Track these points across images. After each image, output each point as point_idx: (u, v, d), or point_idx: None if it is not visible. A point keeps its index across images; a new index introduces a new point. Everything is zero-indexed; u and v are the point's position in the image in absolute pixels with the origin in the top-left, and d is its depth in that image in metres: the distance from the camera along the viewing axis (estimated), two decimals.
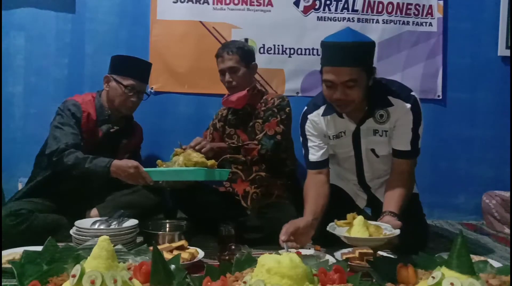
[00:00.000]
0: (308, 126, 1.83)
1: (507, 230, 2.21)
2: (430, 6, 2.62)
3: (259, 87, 2.17)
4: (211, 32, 2.56)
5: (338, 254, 1.59)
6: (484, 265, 1.33)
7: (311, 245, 1.84)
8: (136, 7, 2.57)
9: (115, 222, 1.72)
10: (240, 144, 2.02)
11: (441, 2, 2.61)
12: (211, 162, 1.77)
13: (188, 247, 1.55)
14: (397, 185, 1.67)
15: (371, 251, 1.57)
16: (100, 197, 1.97)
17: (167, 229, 1.86)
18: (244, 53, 2.08)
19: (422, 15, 2.62)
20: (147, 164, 1.81)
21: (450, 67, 2.61)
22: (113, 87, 2.02)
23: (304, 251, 1.59)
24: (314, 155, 1.82)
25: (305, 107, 1.86)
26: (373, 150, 1.78)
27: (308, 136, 1.84)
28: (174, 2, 2.55)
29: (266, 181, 2.04)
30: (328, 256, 1.53)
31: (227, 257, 1.48)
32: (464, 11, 2.61)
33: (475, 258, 1.37)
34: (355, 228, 1.41)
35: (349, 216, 1.46)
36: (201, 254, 1.53)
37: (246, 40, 2.51)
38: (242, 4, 2.58)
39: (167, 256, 1.35)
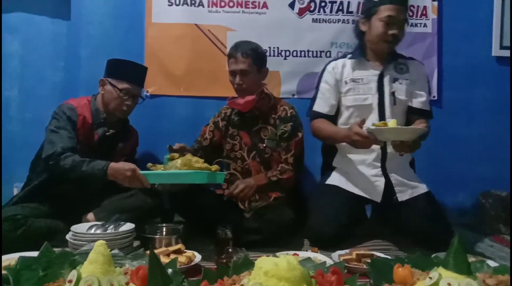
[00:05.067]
0: (325, 75, 2.04)
1: (504, 229, 2.22)
2: (425, 7, 2.63)
3: (266, 91, 2.16)
4: (207, 34, 2.56)
5: (335, 256, 1.59)
6: (481, 265, 1.33)
7: (309, 247, 1.84)
8: (131, 10, 2.56)
9: (111, 227, 1.71)
10: (278, 178, 1.97)
11: (436, 3, 2.62)
12: (214, 167, 1.76)
13: (185, 250, 1.55)
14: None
15: (368, 252, 1.58)
16: (97, 202, 1.96)
17: (164, 232, 1.84)
18: (258, 56, 2.05)
19: (416, 16, 2.63)
20: (144, 167, 1.80)
21: (445, 67, 2.62)
22: (108, 91, 2.02)
23: (301, 253, 1.59)
24: (320, 106, 2.02)
25: None
26: (393, 93, 1.95)
27: (321, 86, 2.04)
28: (169, 5, 2.55)
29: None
30: (325, 258, 1.53)
31: (224, 260, 1.48)
32: (459, 11, 2.63)
33: (471, 258, 1.38)
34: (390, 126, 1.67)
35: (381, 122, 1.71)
36: (198, 257, 1.53)
37: None
38: (237, 7, 2.58)
39: (164, 260, 1.35)
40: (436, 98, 2.63)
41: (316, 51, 2.60)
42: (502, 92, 2.64)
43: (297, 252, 1.60)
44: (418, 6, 2.62)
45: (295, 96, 2.60)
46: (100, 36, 2.55)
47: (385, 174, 1.94)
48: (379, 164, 1.95)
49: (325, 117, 2.01)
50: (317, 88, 2.06)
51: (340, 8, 2.60)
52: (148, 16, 2.55)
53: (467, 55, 2.63)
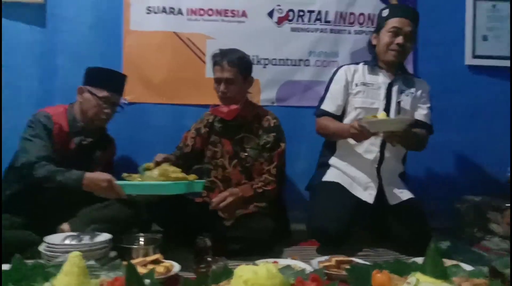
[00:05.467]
0: (336, 77, 2.15)
1: (478, 234, 2.26)
2: None
3: (250, 100, 2.16)
4: (186, 43, 2.56)
5: (315, 263, 1.59)
6: (457, 269, 1.36)
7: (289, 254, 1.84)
8: (109, 18, 2.53)
9: (87, 237, 1.67)
10: (263, 189, 1.96)
11: None
12: (192, 176, 1.74)
13: (163, 260, 1.53)
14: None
15: (347, 258, 1.59)
16: (72, 211, 1.91)
17: (141, 242, 1.81)
18: (244, 65, 2.05)
19: None
20: (121, 176, 1.77)
21: (421, 75, 2.65)
22: (87, 99, 1.99)
23: (281, 261, 1.59)
24: (327, 105, 2.11)
25: None
26: (399, 103, 2.07)
27: (330, 87, 2.14)
28: (147, 13, 2.54)
29: None
30: (305, 265, 1.53)
31: (203, 270, 1.46)
32: (432, 21, 2.69)
33: (447, 262, 1.40)
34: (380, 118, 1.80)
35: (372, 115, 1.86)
36: (176, 267, 1.51)
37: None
38: (216, 15, 2.58)
39: (142, 270, 1.33)
40: None
41: (295, 60, 2.63)
42: (475, 100, 2.73)
43: (277, 260, 1.60)
44: None
45: (275, 104, 2.61)
46: (76, 44, 2.51)
47: (379, 177, 2.04)
48: (376, 166, 2.05)
49: (331, 116, 2.10)
50: (326, 89, 2.16)
51: (318, 17, 2.64)
52: (126, 24, 2.53)
53: (441, 63, 2.69)
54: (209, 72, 2.52)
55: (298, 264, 1.55)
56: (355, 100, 2.09)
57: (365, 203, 2.02)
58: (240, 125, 2.09)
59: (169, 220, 1.92)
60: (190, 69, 2.56)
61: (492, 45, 2.71)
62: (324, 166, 2.17)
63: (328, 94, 2.14)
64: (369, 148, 2.05)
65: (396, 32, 2.03)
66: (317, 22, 2.64)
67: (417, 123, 2.08)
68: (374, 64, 2.14)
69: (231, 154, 2.08)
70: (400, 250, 1.92)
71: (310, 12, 2.63)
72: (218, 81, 2.03)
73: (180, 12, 2.56)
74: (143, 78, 2.54)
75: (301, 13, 2.63)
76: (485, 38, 2.71)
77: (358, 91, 2.09)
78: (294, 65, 2.63)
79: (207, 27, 2.57)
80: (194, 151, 2.15)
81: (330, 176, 2.11)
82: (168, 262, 1.52)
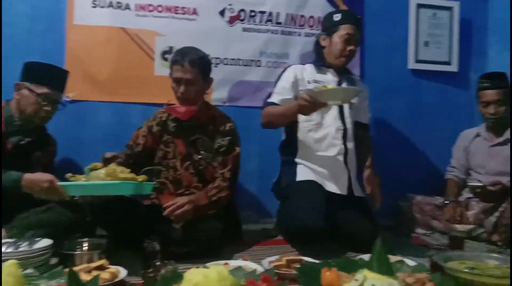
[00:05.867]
0: (283, 75, 2.16)
1: (421, 231, 2.38)
2: None
3: (207, 101, 2.12)
4: (134, 39, 2.47)
5: (265, 263, 1.59)
6: (401, 265, 1.42)
7: (240, 255, 1.83)
8: (51, 10, 2.39)
9: (25, 244, 1.56)
10: (218, 196, 1.91)
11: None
12: (141, 177, 1.68)
13: (109, 266, 1.46)
14: (367, 153, 2.23)
15: (297, 257, 1.61)
16: (8, 216, 1.78)
17: (85, 248, 1.72)
18: (205, 65, 1.99)
19: None
20: (62, 178, 1.68)
21: (367, 79, 2.77)
22: (24, 96, 1.87)
23: (232, 262, 1.58)
24: (274, 98, 2.09)
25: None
26: None
27: (278, 84, 2.14)
28: (93, 7, 2.43)
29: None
30: (256, 266, 1.53)
31: (152, 274, 1.41)
32: (378, 27, 2.81)
33: (392, 258, 1.45)
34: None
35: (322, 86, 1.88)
36: (123, 273, 1.45)
37: (171, 48, 2.45)
38: (166, 12, 2.52)
39: (85, 277, 1.26)
40: None
41: (247, 60, 2.63)
42: (417, 102, 2.88)
43: (228, 262, 1.58)
44: None
45: (226, 104, 2.59)
46: (14, 37, 2.35)
47: (347, 168, 2.12)
48: (342, 158, 2.10)
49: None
50: (274, 86, 2.17)
51: (269, 18, 2.66)
52: (70, 18, 2.41)
53: (385, 67, 2.82)
54: (158, 70, 2.47)
55: (249, 265, 1.55)
56: None
57: (337, 197, 2.05)
58: (194, 126, 2.03)
59: (115, 224, 1.84)
60: (138, 66, 2.48)
61: (433, 50, 2.87)
62: (290, 164, 2.15)
63: (275, 89, 2.14)
64: (332, 142, 2.10)
65: (349, 39, 2.10)
66: (268, 23, 2.66)
67: (363, 126, 2.26)
68: (321, 64, 2.19)
69: (183, 155, 2.02)
70: (349, 246, 1.95)
71: (262, 13, 2.64)
72: (177, 81, 1.94)
73: (127, 7, 2.47)
74: (87, 75, 2.42)
75: (253, 13, 2.64)
76: (426, 44, 2.87)
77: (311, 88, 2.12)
78: (246, 65, 2.63)
79: (156, 24, 2.50)
80: (145, 150, 2.07)
81: (303, 174, 2.09)
82: (114, 268, 1.46)
